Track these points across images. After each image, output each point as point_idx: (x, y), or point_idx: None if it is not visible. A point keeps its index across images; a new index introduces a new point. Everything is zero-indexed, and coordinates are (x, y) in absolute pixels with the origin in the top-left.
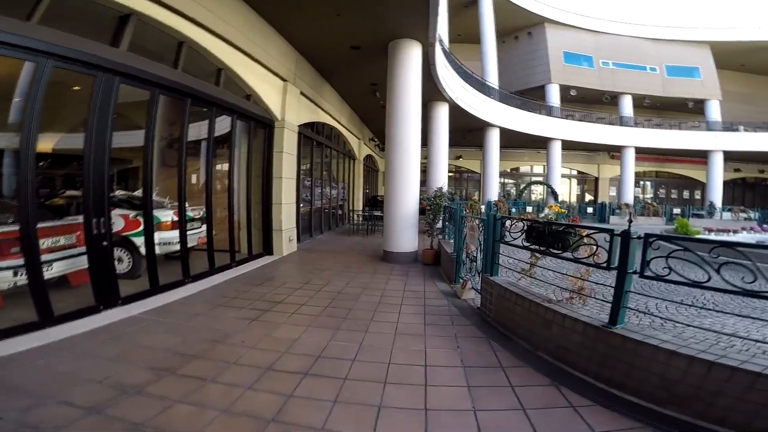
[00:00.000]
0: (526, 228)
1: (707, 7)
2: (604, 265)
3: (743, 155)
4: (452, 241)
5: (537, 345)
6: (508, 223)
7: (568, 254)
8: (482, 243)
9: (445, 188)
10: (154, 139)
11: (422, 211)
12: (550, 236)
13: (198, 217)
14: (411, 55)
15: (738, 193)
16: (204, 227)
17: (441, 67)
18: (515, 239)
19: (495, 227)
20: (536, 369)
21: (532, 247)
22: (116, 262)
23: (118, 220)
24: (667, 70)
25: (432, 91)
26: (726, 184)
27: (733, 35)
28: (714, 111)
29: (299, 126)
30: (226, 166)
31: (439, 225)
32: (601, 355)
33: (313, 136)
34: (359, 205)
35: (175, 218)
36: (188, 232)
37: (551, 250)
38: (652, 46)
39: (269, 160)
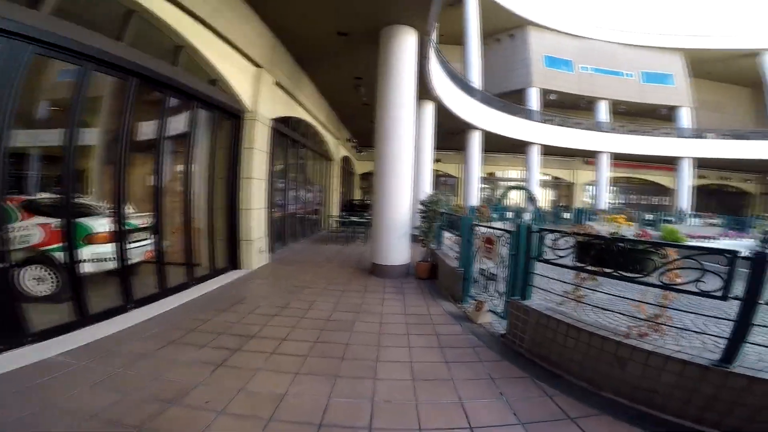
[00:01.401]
0: (577, 244)
1: (682, 15)
2: (717, 293)
3: (708, 162)
4: (450, 252)
5: (602, 385)
6: (549, 237)
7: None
8: (508, 260)
9: (429, 191)
10: (76, 126)
11: None
12: (621, 256)
13: (145, 226)
14: (406, 44)
15: (702, 199)
16: (153, 238)
17: (432, 62)
18: (561, 257)
19: (530, 242)
20: (615, 417)
21: (590, 268)
22: (36, 283)
23: (35, 230)
24: (643, 77)
25: (420, 88)
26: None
27: (705, 43)
28: (685, 118)
29: (273, 120)
30: (183, 165)
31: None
32: (708, 398)
33: (288, 132)
34: (336, 209)
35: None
36: (132, 245)
37: (623, 273)
38: (630, 52)
39: (237, 158)
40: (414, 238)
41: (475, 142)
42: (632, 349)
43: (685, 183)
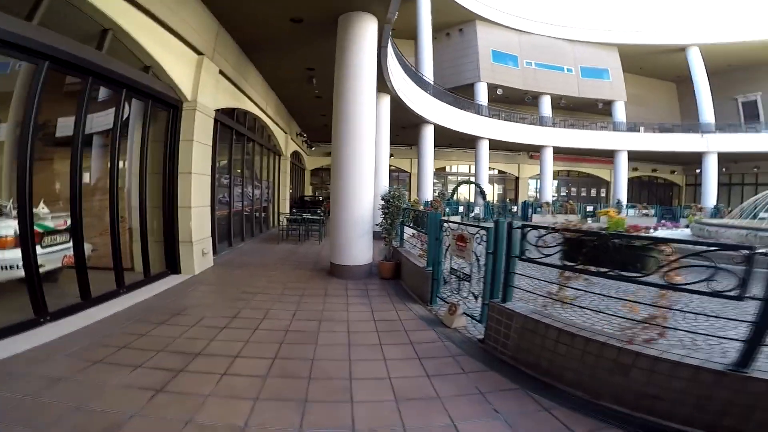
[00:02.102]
0: (565, 241)
1: (618, 10)
2: (732, 293)
3: (640, 155)
4: (414, 250)
5: (600, 393)
6: (533, 234)
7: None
8: (485, 259)
9: (386, 187)
10: None
11: None
12: (618, 253)
13: (63, 227)
14: (366, 32)
15: (635, 190)
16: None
17: (389, 53)
18: (547, 255)
19: (511, 239)
20: (624, 428)
21: (581, 267)
22: None
23: None
24: (581, 72)
25: (378, 80)
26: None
27: (638, 38)
28: (620, 112)
29: (216, 111)
30: (109, 159)
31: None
32: (725, 403)
33: (233, 125)
34: (286, 206)
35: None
36: (46, 249)
37: (620, 272)
38: (570, 47)
39: (174, 152)
40: (375, 236)
41: (428, 136)
42: (636, 355)
43: (622, 175)
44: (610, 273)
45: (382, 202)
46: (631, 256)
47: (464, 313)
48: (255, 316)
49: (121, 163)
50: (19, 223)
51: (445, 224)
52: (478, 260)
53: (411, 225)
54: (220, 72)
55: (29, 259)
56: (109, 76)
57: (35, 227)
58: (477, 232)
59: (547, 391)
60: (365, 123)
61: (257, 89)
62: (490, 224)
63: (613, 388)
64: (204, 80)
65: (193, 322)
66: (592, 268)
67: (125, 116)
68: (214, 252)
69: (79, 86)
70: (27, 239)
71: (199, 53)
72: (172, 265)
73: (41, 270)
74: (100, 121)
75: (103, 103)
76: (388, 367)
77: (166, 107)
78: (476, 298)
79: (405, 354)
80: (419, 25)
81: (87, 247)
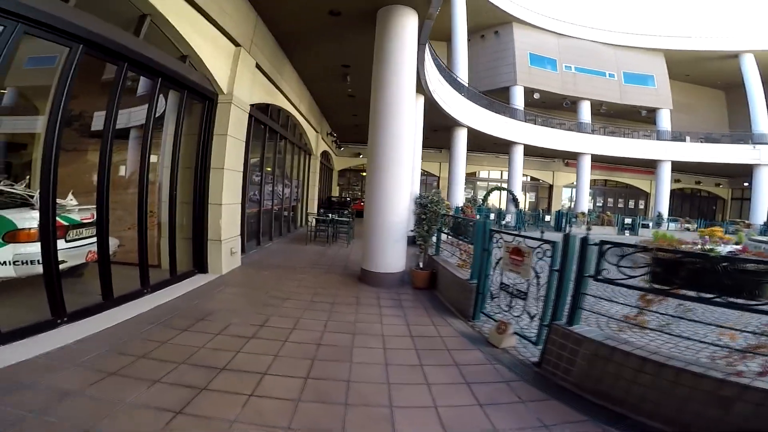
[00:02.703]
0: (656, 261)
1: (663, 15)
2: None
3: (683, 165)
4: (452, 259)
5: (689, 427)
6: (613, 252)
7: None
8: (545, 276)
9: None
10: None
11: None
12: (729, 278)
13: (89, 221)
14: (407, 27)
15: (677, 203)
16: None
17: (427, 51)
18: (631, 277)
19: (585, 257)
20: None
21: (677, 292)
22: None
23: None
24: (624, 77)
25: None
26: None
27: (685, 44)
28: (665, 120)
29: (251, 107)
30: (141, 151)
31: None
32: None
33: (267, 121)
34: (314, 206)
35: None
36: (71, 244)
37: (730, 298)
38: (612, 52)
39: (207, 146)
40: (410, 241)
41: (461, 139)
42: (743, 389)
43: (664, 186)
44: (717, 299)
45: (418, 208)
46: (745, 281)
47: (515, 332)
48: (284, 326)
49: (152, 156)
50: (40, 215)
51: (496, 235)
52: (537, 277)
53: (450, 233)
54: (257, 66)
55: (49, 255)
56: (145, 63)
57: (59, 219)
58: (539, 246)
59: (622, 423)
60: (404, 123)
61: (291, 85)
62: (552, 236)
63: (707, 422)
64: (241, 73)
65: (218, 329)
66: (692, 293)
67: (159, 107)
68: (243, 251)
69: (113, 74)
70: (48, 233)
71: (236, 44)
72: (200, 264)
73: (63, 266)
74: (133, 112)
75: (136, 94)
76: (433, 392)
77: (201, 99)
78: (532, 317)
79: (450, 377)
80: (454, 26)
81: (113, 243)
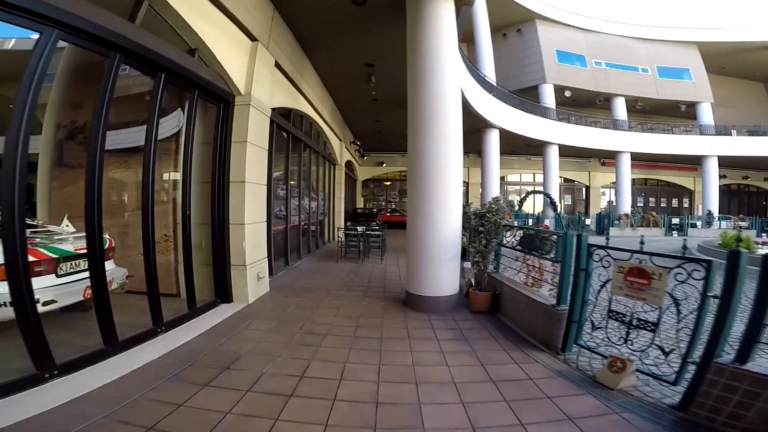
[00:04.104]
0: None
1: (695, 6)
2: None
3: (729, 161)
4: (518, 277)
5: None
6: None
7: None
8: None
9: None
10: None
11: None
12: None
13: (82, 251)
14: (444, 13)
15: (723, 200)
16: (108, 265)
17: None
18: None
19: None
20: None
21: None
22: None
23: None
24: (659, 72)
25: None
26: None
27: (720, 36)
28: (706, 114)
29: (273, 110)
30: (144, 164)
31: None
32: None
33: (290, 128)
34: (341, 220)
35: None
36: (61, 279)
37: None
38: (643, 46)
39: (225, 155)
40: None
41: (493, 142)
42: None
43: (712, 183)
44: None
45: (474, 218)
46: None
47: (640, 371)
48: (329, 375)
49: (160, 169)
50: (4, 245)
51: (599, 251)
52: (677, 305)
53: (517, 247)
54: (276, 65)
55: (22, 295)
56: (141, 53)
57: (45, 251)
58: (678, 267)
59: None
60: (450, 122)
61: (314, 89)
62: (624, 242)
63: None
64: (259, 71)
65: (247, 383)
66: None
67: (164, 109)
68: (271, 273)
69: (99, 64)
70: (18, 268)
71: (253, 39)
72: (223, 293)
73: (53, 306)
74: (131, 115)
75: (134, 91)
76: None
77: (216, 101)
78: (666, 353)
79: None
80: (476, 25)
81: (119, 273)
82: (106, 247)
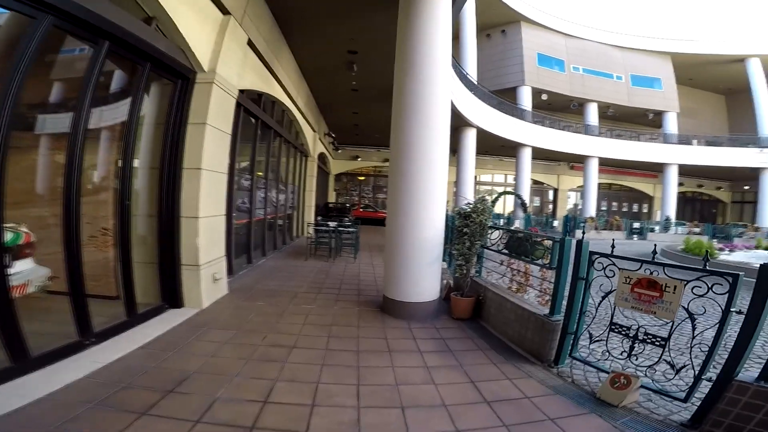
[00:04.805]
0: None
1: (671, 17)
2: None
3: (687, 169)
4: (502, 282)
5: None
6: None
7: None
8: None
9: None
10: None
11: None
12: None
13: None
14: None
15: (679, 206)
16: (24, 264)
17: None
18: None
19: None
20: None
21: None
22: None
23: None
24: (632, 80)
25: None
26: None
27: (693, 47)
28: (672, 123)
29: (241, 93)
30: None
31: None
32: None
33: (259, 113)
34: (311, 214)
35: None
36: None
37: None
38: (620, 53)
39: (179, 138)
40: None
41: (470, 141)
42: None
43: (671, 190)
44: None
45: (459, 218)
46: None
47: (646, 387)
48: (298, 400)
49: (95, 152)
50: None
51: (601, 259)
52: (692, 319)
53: (504, 250)
54: (249, 43)
55: None
56: (80, 16)
57: None
58: (698, 279)
59: None
60: (439, 112)
61: (289, 74)
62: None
63: None
64: (228, 47)
65: (196, 411)
66: None
67: (104, 82)
68: (230, 272)
69: (20, 26)
70: None
71: (225, 12)
72: (171, 296)
73: None
74: (65, 87)
75: (69, 62)
76: None
77: (172, 77)
78: (677, 369)
79: None
80: (462, 22)
81: (39, 273)
82: (21, 242)
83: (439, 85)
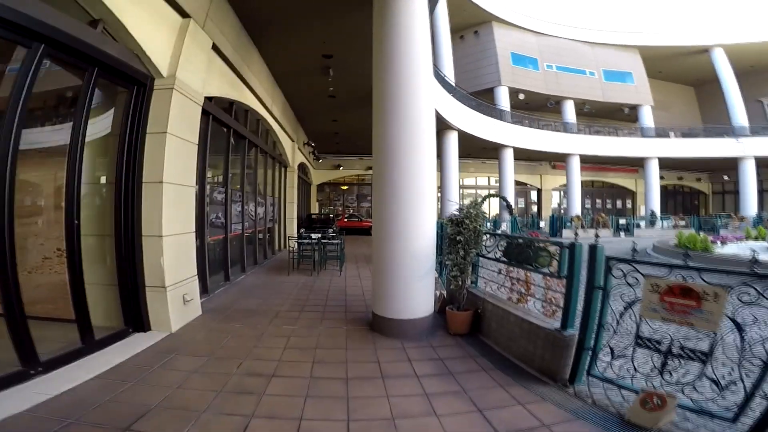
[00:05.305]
0: None
1: (637, 11)
2: None
3: (667, 163)
4: (500, 292)
5: None
6: None
7: None
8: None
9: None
10: None
11: None
12: None
13: None
14: None
15: (662, 200)
16: None
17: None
18: None
19: None
20: None
21: None
22: None
23: None
24: (604, 75)
25: None
26: None
27: (659, 40)
28: (647, 117)
29: (208, 101)
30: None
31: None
32: None
33: (230, 122)
34: (293, 227)
35: None
36: None
37: None
38: (590, 49)
39: (137, 150)
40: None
41: (452, 144)
42: None
43: (653, 184)
44: None
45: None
46: None
47: (684, 407)
48: None
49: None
50: None
51: (622, 266)
52: (740, 331)
53: (502, 258)
54: (215, 48)
55: None
56: (7, 17)
57: None
58: (744, 285)
59: None
60: (422, 109)
61: (262, 81)
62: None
63: None
64: (189, 51)
65: None
66: None
67: (43, 90)
68: (205, 291)
69: None
70: None
71: (184, 15)
72: (136, 319)
73: None
74: None
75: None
76: None
77: (127, 83)
78: (721, 387)
79: None
80: (435, 25)
81: None
82: None
83: (421, 86)
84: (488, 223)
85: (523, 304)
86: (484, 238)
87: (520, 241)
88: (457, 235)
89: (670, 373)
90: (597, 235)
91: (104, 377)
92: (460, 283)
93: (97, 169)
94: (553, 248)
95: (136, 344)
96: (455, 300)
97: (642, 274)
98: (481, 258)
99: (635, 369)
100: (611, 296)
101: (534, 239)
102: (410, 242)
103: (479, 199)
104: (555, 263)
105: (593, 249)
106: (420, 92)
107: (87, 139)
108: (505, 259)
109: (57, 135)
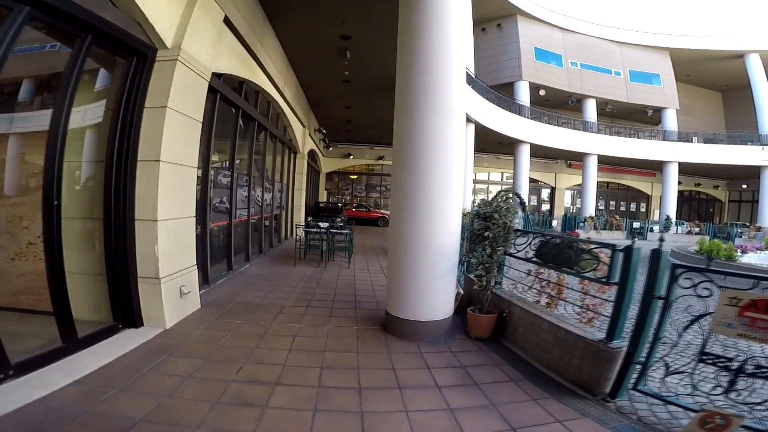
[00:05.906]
0: None
1: (669, 12)
2: None
3: (686, 167)
4: (528, 295)
5: None
6: None
7: None
8: None
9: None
10: None
11: None
12: None
13: None
14: None
15: (677, 205)
16: None
17: None
18: None
19: None
20: None
21: None
22: None
23: None
24: (630, 75)
25: None
26: None
27: (691, 43)
28: (671, 120)
29: (216, 77)
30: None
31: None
32: None
33: (240, 103)
34: (301, 215)
35: None
36: None
37: None
38: (618, 49)
39: (133, 126)
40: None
41: (470, 137)
42: None
43: (671, 189)
44: None
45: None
46: None
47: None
48: None
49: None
50: None
51: (691, 275)
52: None
53: (534, 259)
54: (227, 21)
55: None
56: None
57: None
58: None
59: None
60: (454, 91)
61: (275, 62)
62: None
63: None
64: (197, 22)
65: None
66: None
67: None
68: (206, 281)
69: None
70: None
71: None
72: (126, 314)
73: None
74: None
75: None
76: None
77: (125, 53)
78: None
79: None
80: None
81: None
82: None
83: (452, 70)
84: None
85: (552, 308)
86: (515, 235)
87: (558, 240)
88: (485, 231)
89: (739, 393)
90: (662, 239)
91: (85, 382)
92: (485, 283)
93: (87, 145)
94: (605, 251)
95: (125, 342)
96: (475, 300)
97: (718, 286)
98: (507, 257)
99: (693, 386)
100: (672, 307)
101: (576, 240)
102: (434, 239)
103: (493, 195)
104: (604, 267)
105: (656, 254)
106: (451, 57)
107: (76, 114)
108: (537, 259)
109: (37, 104)
